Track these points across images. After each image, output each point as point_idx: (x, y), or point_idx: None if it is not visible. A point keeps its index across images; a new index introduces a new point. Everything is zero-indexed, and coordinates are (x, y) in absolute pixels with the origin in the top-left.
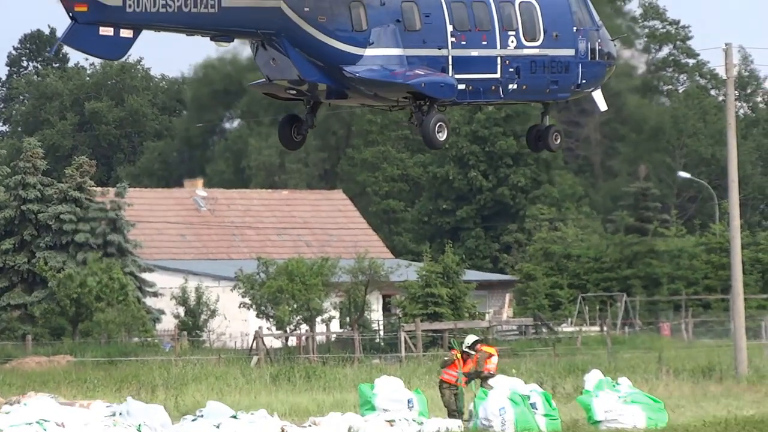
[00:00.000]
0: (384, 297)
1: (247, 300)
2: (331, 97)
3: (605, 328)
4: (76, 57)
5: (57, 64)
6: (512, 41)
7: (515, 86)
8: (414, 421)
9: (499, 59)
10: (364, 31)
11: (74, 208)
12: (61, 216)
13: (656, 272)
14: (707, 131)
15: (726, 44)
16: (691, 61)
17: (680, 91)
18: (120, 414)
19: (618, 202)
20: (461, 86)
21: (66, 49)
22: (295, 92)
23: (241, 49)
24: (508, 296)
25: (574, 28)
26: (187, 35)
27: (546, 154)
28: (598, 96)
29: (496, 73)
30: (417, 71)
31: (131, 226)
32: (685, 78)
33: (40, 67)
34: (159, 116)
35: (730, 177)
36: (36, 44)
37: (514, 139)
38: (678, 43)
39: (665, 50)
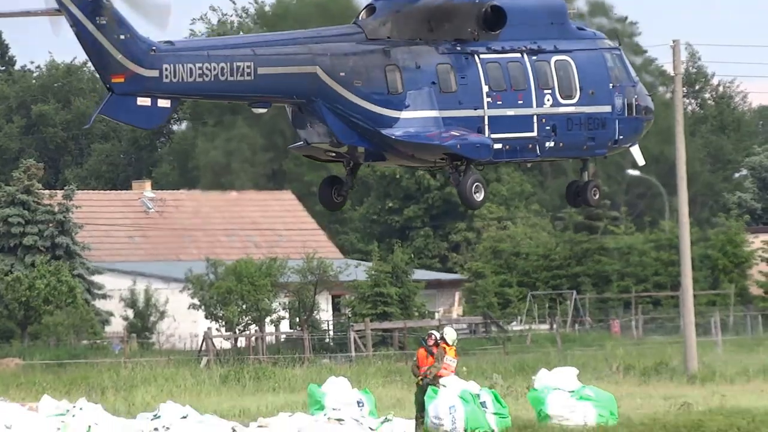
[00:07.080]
0: (333, 297)
1: (196, 301)
2: (369, 159)
3: (555, 326)
4: (22, 60)
5: (3, 68)
6: (548, 99)
7: (552, 144)
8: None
9: (535, 118)
10: (399, 94)
11: (22, 211)
12: (9, 219)
13: (606, 270)
14: (655, 128)
15: (674, 41)
16: (639, 59)
17: None
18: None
19: None
20: (498, 145)
21: (13, 51)
22: (334, 154)
23: None
24: (457, 295)
25: (611, 84)
26: (225, 102)
27: None
28: (635, 151)
29: (532, 131)
30: (453, 132)
31: (79, 228)
32: None
33: None
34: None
35: (678, 174)
36: None
37: None
38: (625, 39)
39: None
